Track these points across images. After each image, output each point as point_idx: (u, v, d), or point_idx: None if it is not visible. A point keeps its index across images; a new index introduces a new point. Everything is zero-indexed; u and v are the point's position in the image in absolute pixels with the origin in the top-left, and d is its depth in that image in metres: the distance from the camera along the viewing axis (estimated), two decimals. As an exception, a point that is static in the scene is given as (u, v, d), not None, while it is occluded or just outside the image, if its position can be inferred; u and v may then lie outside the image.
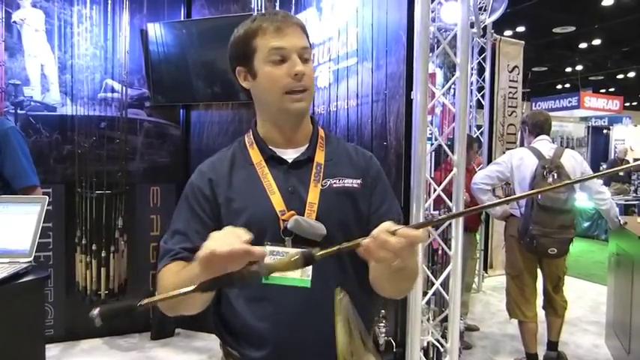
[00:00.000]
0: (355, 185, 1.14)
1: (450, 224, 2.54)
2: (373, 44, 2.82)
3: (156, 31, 3.71)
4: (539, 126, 3.23)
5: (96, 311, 0.79)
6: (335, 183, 1.13)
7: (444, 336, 2.67)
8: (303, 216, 1.08)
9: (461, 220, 2.50)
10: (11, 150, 2.45)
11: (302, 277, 1.07)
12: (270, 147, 1.16)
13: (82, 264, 3.54)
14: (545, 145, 3.15)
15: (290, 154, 1.15)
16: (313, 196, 1.10)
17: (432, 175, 2.87)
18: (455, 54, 2.50)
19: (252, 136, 1.19)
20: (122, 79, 3.70)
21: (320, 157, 1.16)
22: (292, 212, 1.08)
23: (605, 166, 10.64)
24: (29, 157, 2.54)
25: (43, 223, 2.07)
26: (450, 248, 2.54)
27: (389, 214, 1.15)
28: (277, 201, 1.09)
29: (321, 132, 1.22)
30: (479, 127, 5.80)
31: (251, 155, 1.16)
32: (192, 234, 1.12)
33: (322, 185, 1.12)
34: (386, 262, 0.85)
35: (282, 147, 1.16)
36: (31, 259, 1.98)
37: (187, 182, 1.19)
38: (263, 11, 3.39)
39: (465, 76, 2.47)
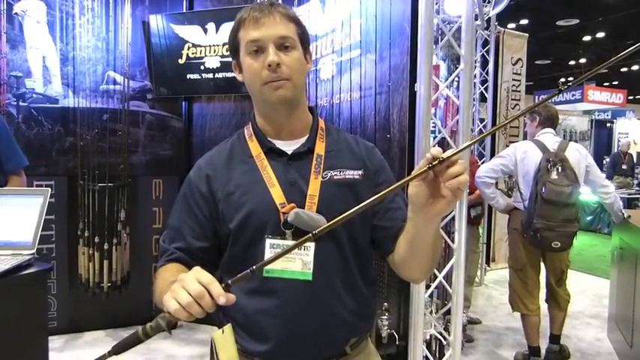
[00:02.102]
0: (356, 176, 1.13)
1: (454, 218, 2.53)
2: (377, 36, 2.80)
3: (158, 22, 3.69)
4: (551, 119, 3.21)
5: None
6: (336, 175, 1.11)
7: (446, 329, 2.66)
8: (304, 208, 1.06)
9: (464, 213, 2.49)
10: (5, 134, 2.49)
11: (303, 269, 1.06)
12: (270, 139, 1.14)
13: (84, 256, 3.54)
14: (549, 138, 3.12)
15: (289, 146, 1.14)
16: (314, 188, 1.09)
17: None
18: (459, 46, 2.48)
19: (251, 129, 1.18)
20: (124, 71, 3.68)
21: (320, 148, 1.14)
22: (292, 205, 1.06)
23: (608, 160, 10.60)
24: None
25: (46, 215, 2.07)
26: (453, 241, 2.53)
27: (396, 205, 1.14)
28: (277, 193, 1.08)
29: (321, 123, 1.20)
30: (482, 120, 5.77)
31: (250, 148, 1.15)
32: (187, 232, 1.13)
33: (323, 177, 1.10)
34: (457, 195, 0.83)
35: (280, 138, 1.15)
36: (33, 251, 1.98)
37: (186, 178, 1.18)
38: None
39: (469, 68, 2.45)
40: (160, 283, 1.05)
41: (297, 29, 1.10)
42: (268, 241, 1.07)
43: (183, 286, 0.81)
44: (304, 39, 1.13)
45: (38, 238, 2.01)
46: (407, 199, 0.94)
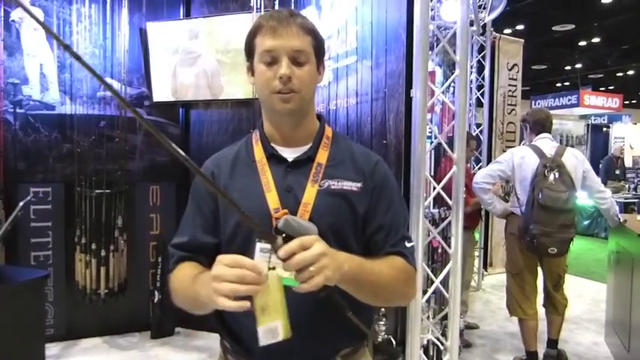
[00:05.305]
0: (354, 189, 1.12)
1: (450, 222, 2.54)
2: (373, 42, 2.81)
3: (155, 29, 3.70)
4: (540, 124, 3.22)
5: None
6: (333, 184, 1.11)
7: (443, 334, 2.67)
8: (296, 215, 1.07)
9: (460, 218, 2.50)
10: None
11: (291, 276, 1.06)
12: (273, 145, 1.15)
13: (81, 263, 3.53)
14: (546, 143, 3.14)
15: (292, 153, 1.15)
16: (309, 196, 1.09)
17: (432, 174, 2.87)
18: (454, 52, 2.49)
19: (258, 133, 1.19)
20: (121, 78, 3.70)
21: (322, 157, 1.15)
22: (285, 211, 1.07)
23: (601, 165, 10.62)
24: None
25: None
26: (449, 246, 2.54)
27: (390, 222, 1.14)
28: (272, 199, 1.08)
29: (328, 131, 1.20)
30: (478, 125, 5.80)
31: (255, 152, 1.16)
32: (194, 226, 1.18)
33: (320, 186, 1.11)
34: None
35: (285, 145, 1.16)
36: None
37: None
38: (262, 10, 3.38)
39: (464, 74, 2.47)
40: (178, 284, 1.10)
41: (312, 42, 1.11)
42: (258, 245, 1.07)
43: (221, 280, 0.88)
44: (319, 51, 1.13)
45: None
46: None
